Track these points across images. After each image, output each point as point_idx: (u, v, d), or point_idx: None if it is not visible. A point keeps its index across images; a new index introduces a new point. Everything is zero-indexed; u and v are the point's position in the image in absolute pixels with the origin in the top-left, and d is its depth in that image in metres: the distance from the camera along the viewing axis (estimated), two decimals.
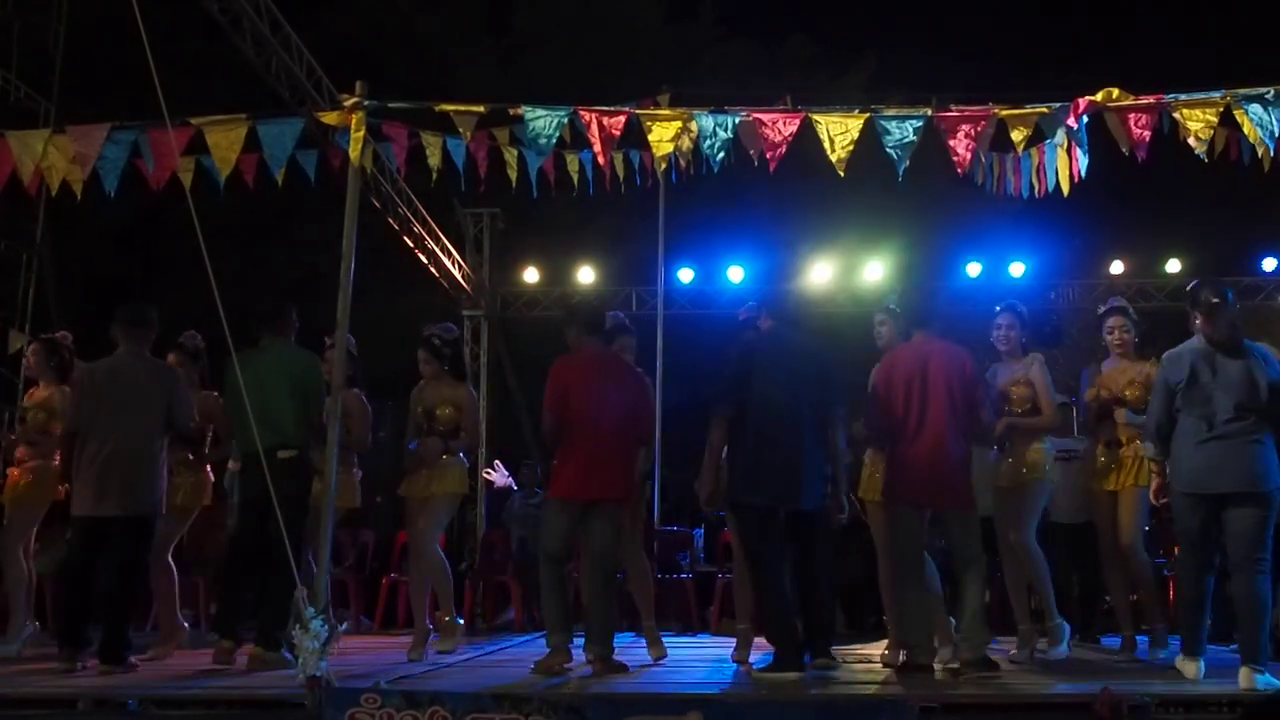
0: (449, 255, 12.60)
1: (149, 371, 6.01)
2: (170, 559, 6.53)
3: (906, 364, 5.54)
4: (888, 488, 5.64)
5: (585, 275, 13.16)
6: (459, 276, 12.87)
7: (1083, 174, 5.54)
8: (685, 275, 12.94)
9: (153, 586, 6.51)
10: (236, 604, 6.06)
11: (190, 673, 5.63)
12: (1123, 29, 20.01)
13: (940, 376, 5.47)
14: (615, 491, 5.68)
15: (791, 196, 15.32)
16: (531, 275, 13.38)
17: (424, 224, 11.89)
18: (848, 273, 12.75)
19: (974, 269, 12.62)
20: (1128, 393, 6.15)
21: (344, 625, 8.82)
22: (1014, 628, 6.35)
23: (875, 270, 12.61)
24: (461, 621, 6.83)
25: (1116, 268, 13.02)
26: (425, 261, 12.18)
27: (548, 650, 5.59)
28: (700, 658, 6.59)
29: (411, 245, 11.77)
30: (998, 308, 6.39)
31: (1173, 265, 12.96)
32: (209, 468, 6.73)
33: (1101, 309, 6.56)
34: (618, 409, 5.71)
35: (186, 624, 7.03)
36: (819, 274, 12.79)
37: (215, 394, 6.53)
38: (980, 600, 5.44)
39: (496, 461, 10.61)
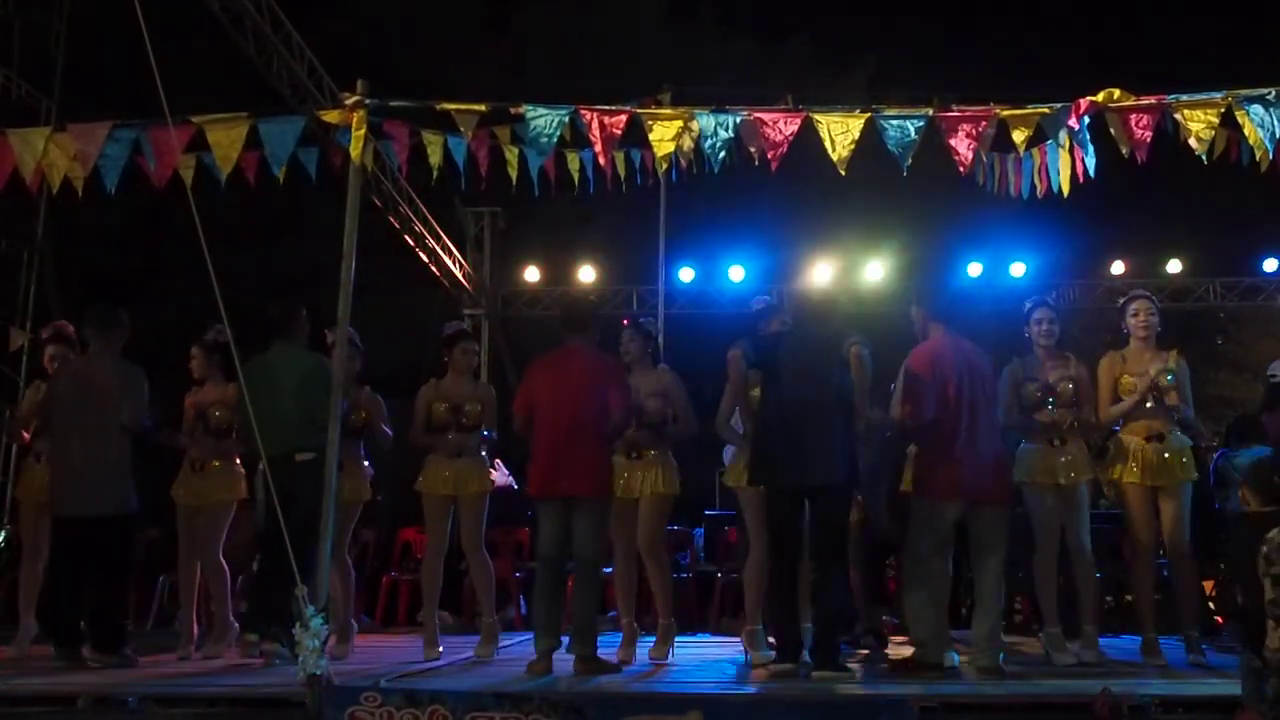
0: (450, 254, 12.61)
1: (111, 372, 6.03)
2: (222, 558, 6.56)
3: (951, 358, 5.50)
4: (935, 484, 5.50)
5: (586, 274, 13.18)
6: (459, 275, 12.89)
7: (1091, 173, 5.52)
8: (686, 275, 12.94)
9: (208, 584, 6.58)
10: (264, 602, 5.96)
11: (191, 671, 5.64)
12: (1124, 29, 20.00)
13: (982, 372, 5.50)
14: (586, 487, 5.61)
15: (792, 196, 15.30)
16: (532, 274, 13.40)
17: (425, 223, 11.90)
18: (849, 272, 12.76)
19: (975, 269, 12.65)
20: (1162, 380, 5.96)
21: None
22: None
23: (876, 270, 12.63)
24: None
25: (1117, 268, 13.05)
26: (426, 260, 12.19)
27: (535, 654, 5.56)
28: (701, 657, 6.58)
29: (412, 244, 11.79)
30: (1029, 303, 6.32)
31: (1173, 266, 12.98)
32: (239, 462, 6.70)
33: (1123, 299, 6.46)
34: (577, 403, 5.63)
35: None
36: (820, 274, 12.81)
37: (234, 385, 6.55)
38: (999, 605, 5.41)
39: (497, 460, 10.58)
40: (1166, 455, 5.93)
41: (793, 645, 5.34)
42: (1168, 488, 5.92)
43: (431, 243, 12.12)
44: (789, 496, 5.46)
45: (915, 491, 5.67)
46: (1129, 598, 6.60)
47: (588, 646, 5.57)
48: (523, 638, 7.92)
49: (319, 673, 4.56)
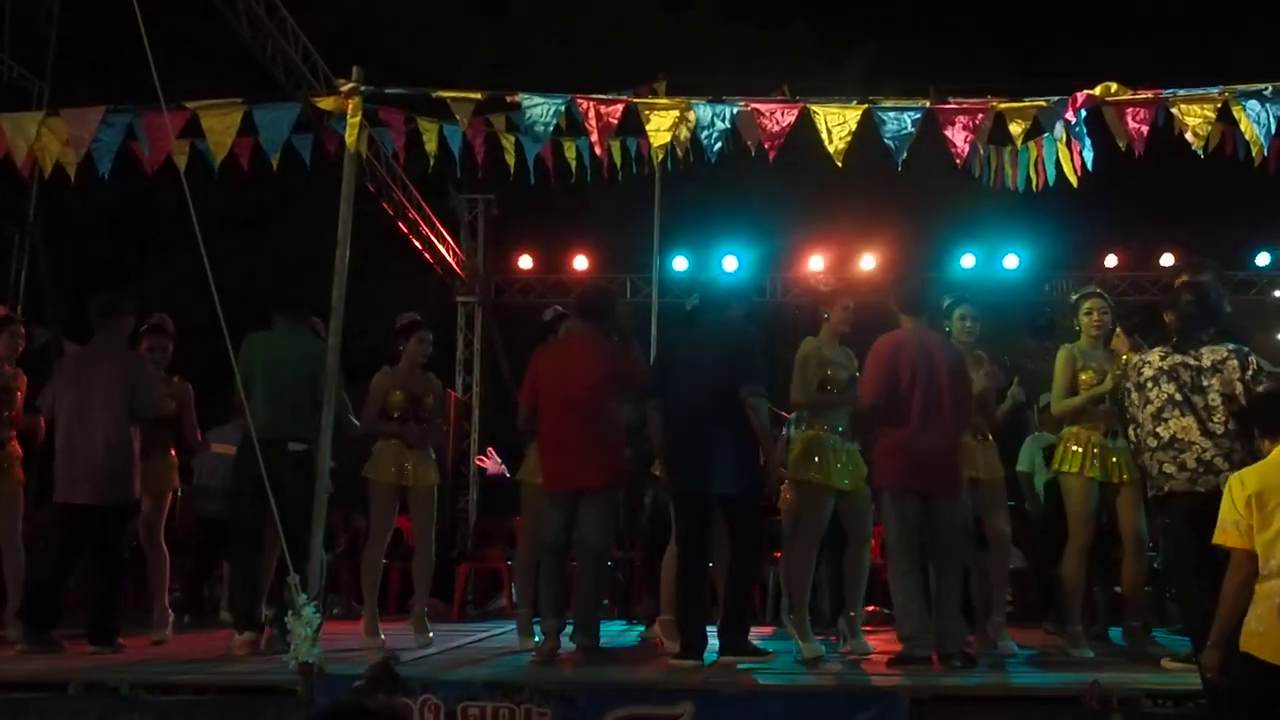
0: (443, 241, 12.57)
1: (116, 361, 6.03)
2: (163, 543, 6.57)
3: (911, 349, 5.53)
4: (887, 475, 5.55)
5: (580, 262, 13.14)
6: (453, 262, 12.85)
7: (1089, 166, 5.52)
8: (680, 264, 12.91)
9: (149, 571, 6.60)
10: (250, 592, 5.94)
11: (182, 658, 5.63)
12: (1121, 21, 19.99)
13: (943, 365, 5.50)
14: (601, 478, 5.61)
15: (787, 186, 15.29)
16: (526, 262, 13.36)
17: (419, 209, 11.86)
18: (842, 263, 12.75)
19: (968, 260, 12.65)
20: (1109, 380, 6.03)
21: (334, 610, 8.85)
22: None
23: (869, 261, 12.62)
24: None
25: (1111, 261, 13.03)
26: (420, 247, 12.15)
27: (542, 636, 5.60)
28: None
29: (406, 231, 11.74)
30: (949, 299, 6.37)
31: (1167, 259, 12.97)
32: (174, 451, 6.75)
33: (1075, 294, 6.52)
34: (585, 391, 5.60)
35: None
36: (813, 264, 12.80)
37: (176, 377, 6.69)
38: (958, 593, 5.48)
39: (490, 449, 10.58)
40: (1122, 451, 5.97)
41: (698, 642, 5.39)
42: (1127, 483, 5.95)
43: (425, 229, 12.07)
44: (692, 499, 5.51)
45: (875, 486, 5.70)
46: (1117, 589, 6.63)
47: (591, 637, 5.60)
48: (513, 626, 7.93)
49: (311, 661, 4.56)
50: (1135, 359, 5.01)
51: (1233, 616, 3.85)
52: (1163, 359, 4.89)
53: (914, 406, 5.44)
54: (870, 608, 7.37)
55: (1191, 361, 4.84)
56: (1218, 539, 3.97)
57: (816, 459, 5.90)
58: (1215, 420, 4.79)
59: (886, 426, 5.54)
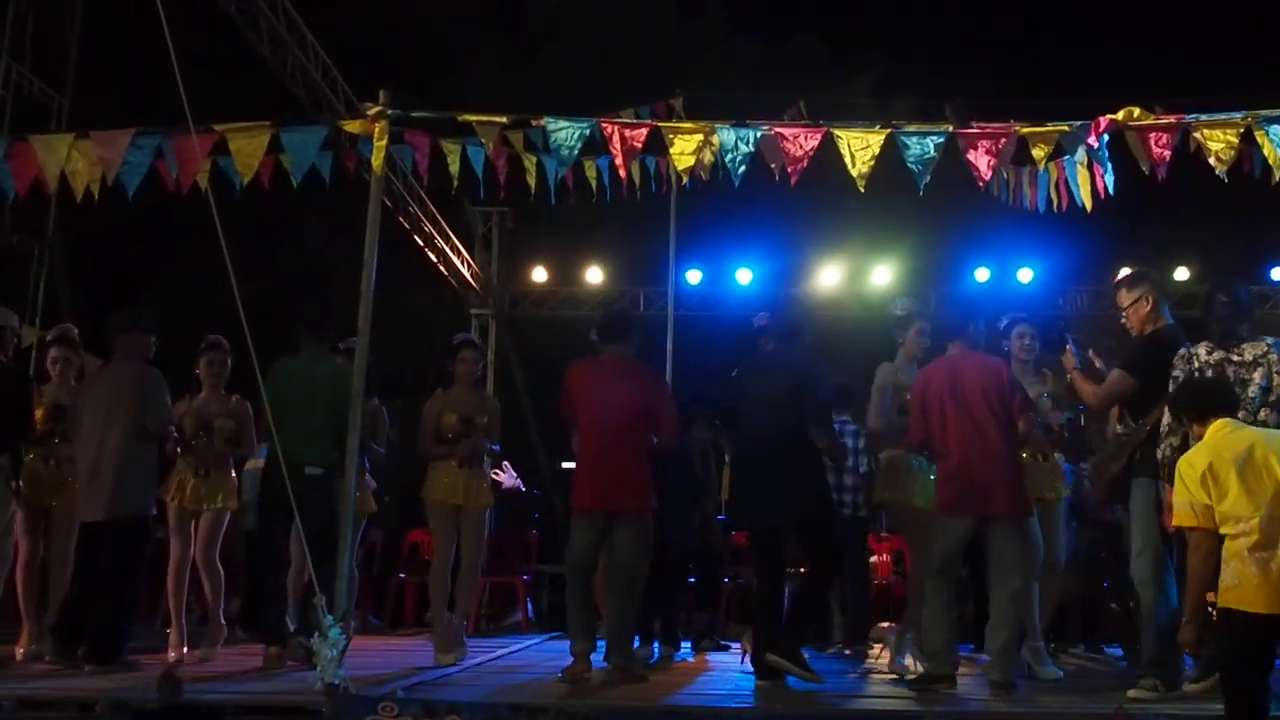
0: (458, 253, 12.62)
1: (127, 377, 6.06)
2: (218, 561, 6.60)
3: (939, 379, 5.57)
4: (941, 501, 5.59)
5: (594, 275, 13.17)
6: (468, 275, 12.90)
7: (1110, 190, 5.53)
8: (693, 277, 12.93)
9: (206, 586, 6.61)
10: (277, 608, 6.05)
11: (210, 676, 5.65)
12: (1134, 32, 19.97)
13: (975, 388, 5.49)
14: (635, 501, 5.63)
15: (801, 200, 15.27)
16: (540, 274, 13.39)
17: (434, 222, 11.91)
18: (856, 276, 12.77)
19: (982, 274, 12.65)
20: None
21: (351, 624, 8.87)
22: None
23: (883, 274, 12.64)
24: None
25: (1124, 275, 13.00)
26: (435, 259, 12.19)
27: (571, 658, 5.58)
28: (718, 668, 6.59)
29: (421, 243, 11.79)
30: (1006, 319, 6.39)
31: (1181, 273, 12.97)
32: (233, 469, 6.76)
33: None
34: (624, 415, 5.65)
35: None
36: (827, 277, 12.81)
37: (236, 396, 6.65)
38: (1016, 620, 5.39)
39: (505, 463, 10.60)
40: None
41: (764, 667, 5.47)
42: None
43: (440, 242, 12.12)
44: (764, 534, 5.63)
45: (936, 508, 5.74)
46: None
47: (624, 656, 5.61)
48: (530, 641, 7.97)
49: (336, 682, 4.58)
50: (1183, 350, 5.13)
51: (1201, 590, 4.05)
52: (1209, 353, 5.08)
53: (950, 436, 5.46)
54: (885, 624, 7.38)
55: (1235, 357, 5.05)
56: (1176, 523, 4.14)
57: (898, 480, 6.05)
58: (1261, 413, 4.94)
59: (934, 456, 5.63)
